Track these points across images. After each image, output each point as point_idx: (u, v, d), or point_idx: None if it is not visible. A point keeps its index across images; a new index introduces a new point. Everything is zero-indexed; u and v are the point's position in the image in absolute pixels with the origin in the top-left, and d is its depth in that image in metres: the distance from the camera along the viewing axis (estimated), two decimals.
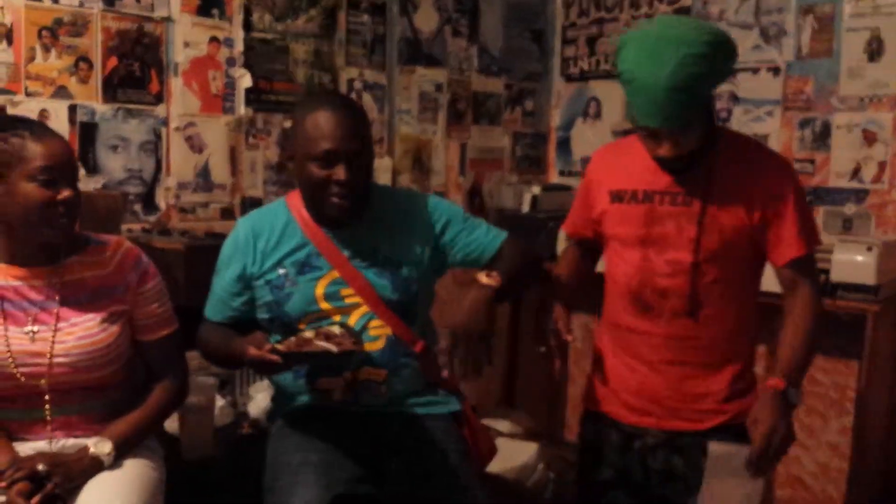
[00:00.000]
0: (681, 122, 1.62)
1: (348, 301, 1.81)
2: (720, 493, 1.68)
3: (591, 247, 1.97)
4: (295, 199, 1.87)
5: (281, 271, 1.82)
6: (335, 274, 1.81)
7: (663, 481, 1.82)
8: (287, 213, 1.86)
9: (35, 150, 1.61)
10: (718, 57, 1.62)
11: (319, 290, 1.80)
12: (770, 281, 1.83)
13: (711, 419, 1.78)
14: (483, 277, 1.74)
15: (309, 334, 1.68)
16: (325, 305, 1.80)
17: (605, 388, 1.88)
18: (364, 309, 1.81)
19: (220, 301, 1.90)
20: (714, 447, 1.67)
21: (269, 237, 1.84)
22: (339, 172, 1.72)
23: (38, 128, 1.67)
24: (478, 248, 1.89)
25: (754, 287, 1.84)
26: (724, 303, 1.76)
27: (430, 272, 1.91)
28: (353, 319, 1.80)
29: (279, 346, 1.63)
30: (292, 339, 1.67)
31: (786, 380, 1.68)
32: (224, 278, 1.88)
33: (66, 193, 1.63)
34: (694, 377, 1.77)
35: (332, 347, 1.64)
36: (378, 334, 1.80)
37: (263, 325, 1.86)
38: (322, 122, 1.73)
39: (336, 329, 1.70)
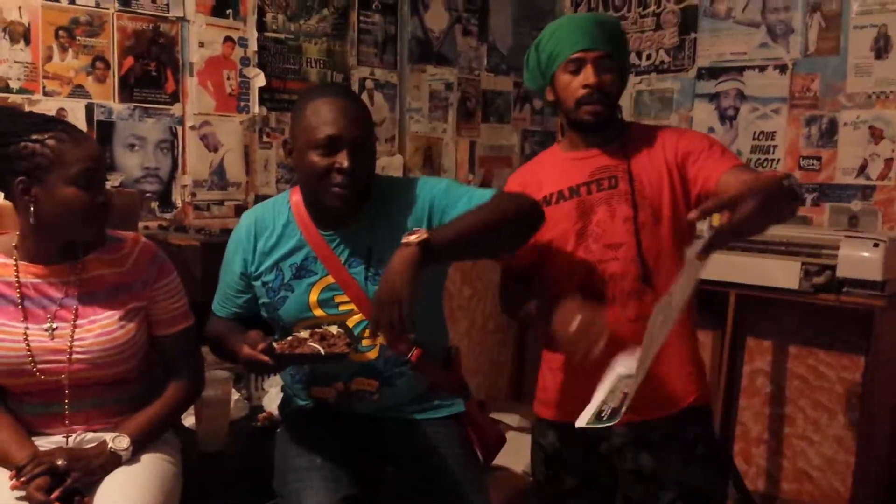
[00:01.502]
0: (604, 45, 1.72)
1: (342, 308, 1.76)
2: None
3: (525, 276, 1.89)
4: (297, 195, 1.82)
5: (276, 273, 1.80)
6: (330, 279, 1.76)
7: (633, 483, 1.79)
8: (288, 211, 1.82)
9: (74, 154, 1.61)
10: (625, 35, 1.85)
11: (313, 296, 1.77)
12: (767, 277, 1.82)
13: (683, 400, 1.77)
14: (406, 237, 1.55)
15: (305, 334, 1.66)
16: (318, 312, 1.77)
17: (565, 395, 1.84)
18: (359, 317, 1.76)
19: (225, 297, 1.90)
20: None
21: (269, 237, 1.81)
22: (342, 159, 1.65)
23: (72, 129, 1.68)
24: None
25: None
26: (675, 268, 1.69)
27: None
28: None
29: (274, 346, 1.61)
30: (288, 338, 1.66)
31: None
32: (228, 275, 1.88)
33: (101, 196, 1.65)
34: (663, 355, 1.72)
35: (321, 350, 1.61)
36: (371, 343, 1.77)
37: (268, 321, 1.86)
38: (323, 109, 1.68)
39: (334, 329, 1.68)
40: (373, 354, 1.77)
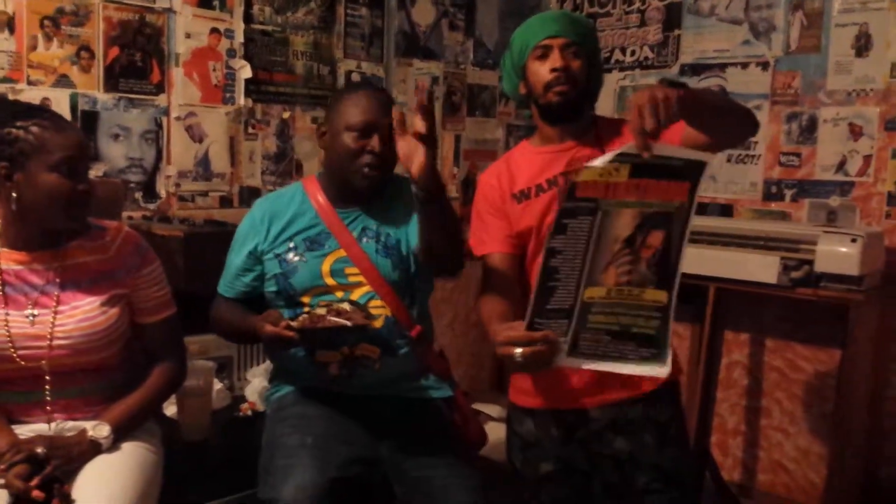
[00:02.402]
0: (570, 34, 1.78)
1: (352, 279, 1.89)
2: None
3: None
4: (311, 184, 1.98)
5: (291, 245, 1.92)
6: (342, 253, 1.90)
7: (611, 467, 1.82)
8: (303, 195, 1.97)
9: (56, 141, 1.63)
10: (595, 32, 1.87)
11: (326, 266, 1.90)
12: (746, 271, 1.81)
13: (649, 381, 1.77)
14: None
15: (321, 311, 1.77)
16: (329, 281, 1.89)
17: (540, 383, 1.85)
18: (366, 288, 1.89)
19: (233, 277, 1.98)
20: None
21: (283, 219, 1.94)
22: (374, 143, 1.85)
23: (57, 118, 1.69)
24: None
25: None
26: None
27: None
28: (355, 297, 1.88)
29: (293, 324, 1.72)
30: (305, 316, 1.77)
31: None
32: (238, 255, 1.97)
33: (84, 185, 1.67)
34: None
35: (347, 322, 1.73)
36: (377, 314, 1.87)
37: (270, 299, 1.93)
38: (361, 98, 1.89)
39: (346, 305, 1.79)
40: (378, 324, 1.87)
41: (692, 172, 1.44)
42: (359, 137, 1.86)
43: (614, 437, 1.81)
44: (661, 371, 1.51)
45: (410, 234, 1.93)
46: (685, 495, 1.84)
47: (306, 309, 1.85)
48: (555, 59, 1.78)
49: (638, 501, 1.80)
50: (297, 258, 1.91)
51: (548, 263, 1.44)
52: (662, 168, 1.42)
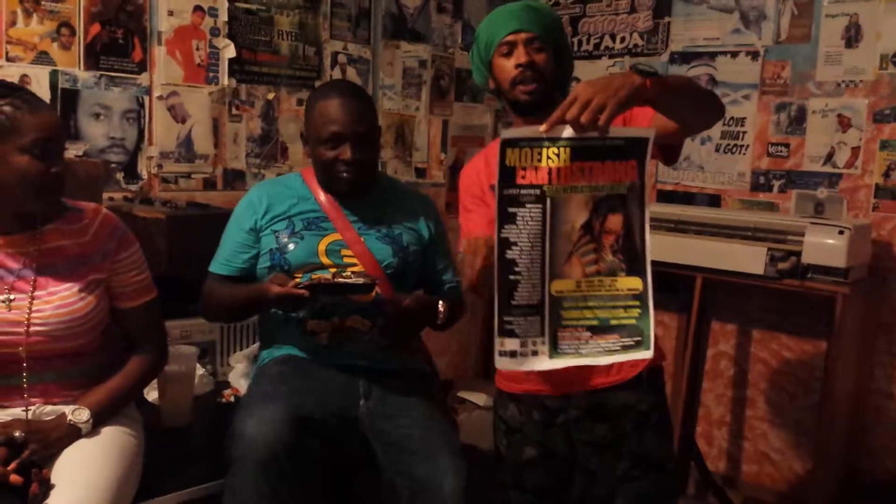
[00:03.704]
0: (533, 27, 1.79)
1: (346, 260, 1.95)
2: None
3: None
4: (310, 175, 2.04)
5: (289, 223, 1.97)
6: (338, 236, 1.96)
7: (590, 454, 1.84)
8: (302, 183, 2.03)
9: (30, 122, 1.59)
10: (559, 21, 1.91)
11: (322, 245, 1.95)
12: (733, 262, 1.81)
13: (641, 362, 1.77)
14: None
15: (326, 275, 1.86)
16: (324, 259, 1.94)
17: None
18: (360, 269, 1.94)
19: (231, 254, 2.00)
20: None
21: (284, 200, 2.00)
22: (346, 152, 1.91)
23: (31, 97, 1.65)
24: (432, 278, 2.10)
25: None
26: None
27: (420, 257, 2.04)
28: None
29: (303, 282, 1.78)
30: (315, 276, 1.85)
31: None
32: (236, 232, 2.00)
33: (58, 167, 1.63)
34: None
35: (358, 280, 1.81)
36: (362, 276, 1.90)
37: (261, 276, 1.97)
38: (329, 108, 1.92)
39: (348, 272, 1.88)
40: (370, 297, 1.92)
41: (636, 149, 1.44)
42: (331, 148, 1.92)
43: (594, 423, 1.82)
44: (646, 354, 1.50)
45: (411, 228, 2.04)
46: (665, 482, 1.86)
47: (313, 276, 1.90)
48: (519, 55, 1.79)
49: (617, 488, 1.82)
50: (294, 235, 1.95)
51: (503, 255, 1.44)
52: (605, 149, 1.43)
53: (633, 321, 1.49)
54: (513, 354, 1.49)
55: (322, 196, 2.00)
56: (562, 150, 1.41)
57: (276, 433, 1.68)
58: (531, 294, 1.45)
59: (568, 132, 1.40)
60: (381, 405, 1.91)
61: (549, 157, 1.41)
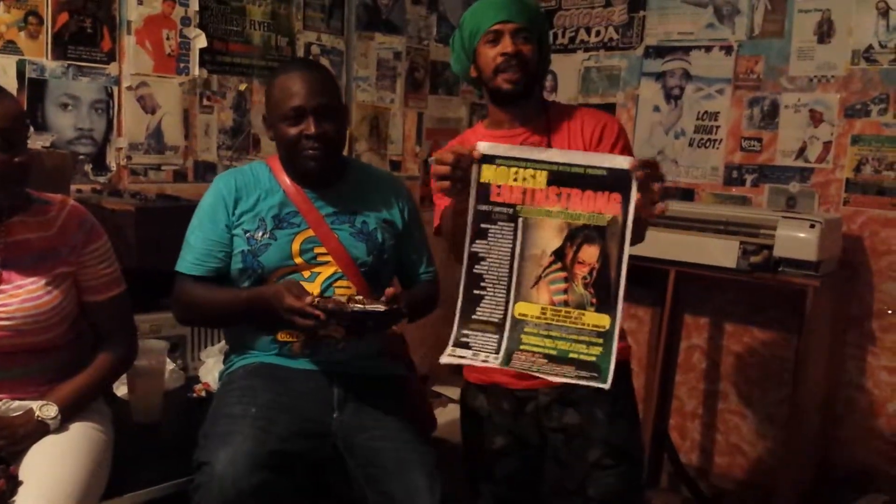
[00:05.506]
0: (520, 18, 1.82)
1: (320, 259, 1.88)
2: None
3: None
4: (276, 164, 1.95)
5: (259, 222, 1.88)
6: (310, 233, 1.88)
7: (561, 441, 1.85)
8: (268, 172, 1.94)
9: None
10: (544, 15, 1.94)
11: (296, 245, 1.88)
12: (706, 255, 1.80)
13: None
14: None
15: (342, 299, 1.72)
16: (298, 261, 1.87)
17: None
18: (334, 268, 1.88)
19: (204, 254, 1.89)
20: None
21: (250, 192, 1.91)
22: (309, 126, 1.83)
23: None
24: (407, 268, 2.05)
25: None
26: None
27: (394, 251, 1.99)
28: (322, 277, 1.87)
29: (319, 305, 1.66)
30: (333, 298, 1.73)
31: None
32: (208, 230, 1.89)
33: (21, 156, 1.60)
34: None
35: (380, 307, 1.67)
36: (343, 294, 1.83)
37: (234, 277, 1.89)
38: (289, 83, 1.85)
39: (359, 297, 1.75)
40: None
41: (619, 182, 1.43)
42: (293, 124, 1.84)
43: (564, 410, 1.84)
44: (602, 386, 1.44)
45: (384, 221, 1.96)
46: (635, 472, 1.89)
47: (319, 297, 1.77)
48: (506, 45, 1.82)
49: (589, 477, 1.83)
50: (266, 236, 1.87)
51: (471, 269, 1.45)
52: (585, 178, 1.43)
53: (593, 359, 1.44)
54: (462, 358, 1.48)
55: (289, 183, 1.91)
56: (538, 172, 1.43)
57: (244, 475, 1.60)
58: (493, 312, 1.45)
59: (547, 155, 1.41)
60: (355, 416, 1.84)
61: (524, 178, 1.43)
